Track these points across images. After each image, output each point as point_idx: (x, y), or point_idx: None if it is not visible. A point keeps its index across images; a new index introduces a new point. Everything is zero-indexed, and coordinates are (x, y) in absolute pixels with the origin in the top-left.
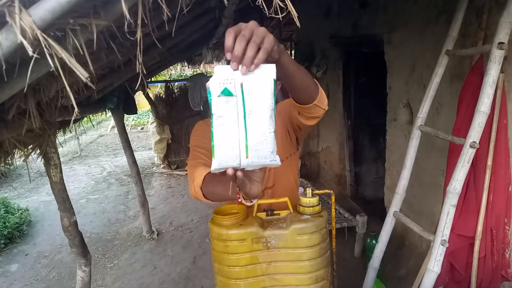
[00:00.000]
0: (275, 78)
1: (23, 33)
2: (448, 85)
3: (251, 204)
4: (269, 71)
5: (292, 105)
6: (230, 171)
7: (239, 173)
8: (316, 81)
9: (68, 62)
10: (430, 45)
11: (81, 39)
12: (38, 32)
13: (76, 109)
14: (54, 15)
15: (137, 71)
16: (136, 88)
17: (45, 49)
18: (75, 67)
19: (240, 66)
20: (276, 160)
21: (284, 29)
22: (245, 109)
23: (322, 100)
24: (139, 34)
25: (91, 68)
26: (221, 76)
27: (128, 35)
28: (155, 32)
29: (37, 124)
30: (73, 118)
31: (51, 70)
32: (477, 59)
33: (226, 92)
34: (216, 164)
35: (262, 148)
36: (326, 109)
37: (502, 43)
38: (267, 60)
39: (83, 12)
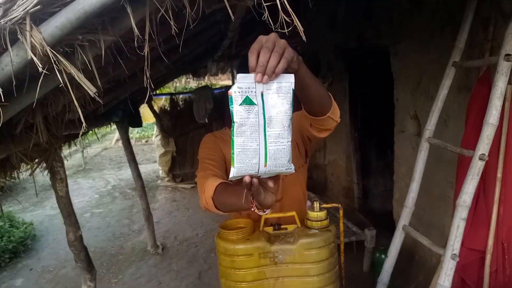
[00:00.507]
0: (293, 88)
1: (33, 49)
2: (455, 96)
3: (264, 213)
4: (288, 81)
5: (303, 117)
6: (247, 179)
7: (254, 181)
8: (330, 94)
9: (76, 78)
10: (436, 56)
11: (89, 55)
12: (48, 49)
13: (84, 124)
14: (63, 32)
15: (145, 85)
16: (141, 101)
17: (54, 65)
18: (84, 82)
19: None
20: (291, 168)
21: (289, 41)
22: (265, 118)
23: (335, 112)
24: (146, 49)
25: (99, 82)
26: (243, 84)
27: (137, 50)
28: (161, 46)
29: (45, 138)
30: (81, 133)
31: (60, 86)
32: (484, 70)
33: (248, 101)
34: (235, 172)
35: (280, 156)
36: (339, 121)
37: (509, 55)
38: (286, 71)
39: (92, 28)
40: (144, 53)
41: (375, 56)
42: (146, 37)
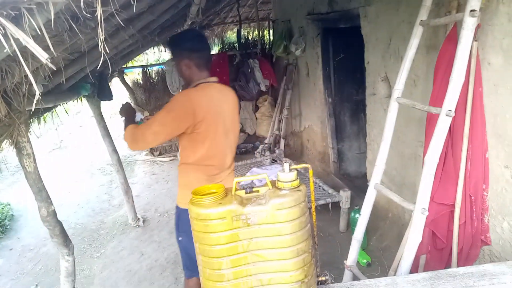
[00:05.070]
0: None
1: None
2: (424, 56)
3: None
4: None
5: None
6: None
7: None
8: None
9: (23, 42)
10: (405, 17)
11: (38, 19)
12: None
13: (37, 92)
14: None
15: (100, 49)
16: (111, 74)
17: None
18: (33, 47)
19: None
20: None
21: (261, 8)
22: None
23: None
24: (99, 11)
25: (52, 50)
26: None
27: (87, 14)
28: (118, 11)
29: (3, 112)
30: (35, 101)
31: (5, 51)
32: (451, 28)
33: None
34: None
35: None
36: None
37: (474, 10)
38: None
39: None
40: (97, 15)
41: (346, 20)
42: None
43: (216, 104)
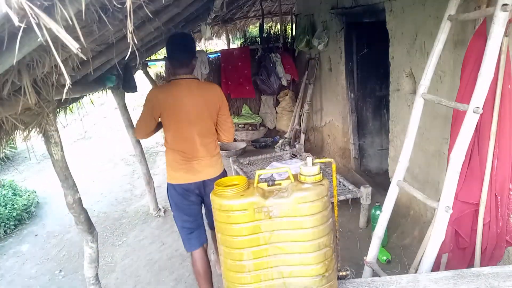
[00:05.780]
0: None
1: (8, 2)
2: (451, 52)
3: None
4: None
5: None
6: None
7: None
8: None
9: (56, 32)
10: (432, 11)
11: (70, 10)
12: (23, 1)
13: (68, 81)
14: None
15: (128, 40)
16: (136, 66)
17: (31, 19)
18: (64, 37)
19: None
20: None
21: (284, 2)
22: None
23: None
24: (128, 3)
25: (82, 40)
26: None
27: (116, 5)
28: (146, 3)
29: (33, 100)
30: (65, 91)
31: (38, 40)
32: (480, 23)
33: None
34: None
35: None
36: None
37: (506, 4)
38: None
39: None
40: (126, 6)
41: (370, 15)
42: None
43: (177, 99)
